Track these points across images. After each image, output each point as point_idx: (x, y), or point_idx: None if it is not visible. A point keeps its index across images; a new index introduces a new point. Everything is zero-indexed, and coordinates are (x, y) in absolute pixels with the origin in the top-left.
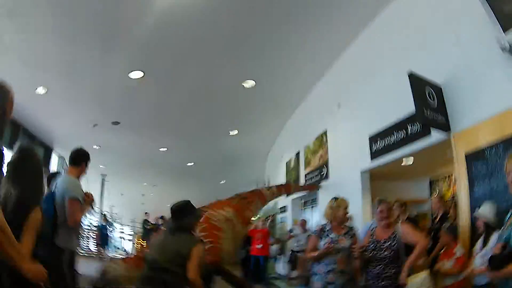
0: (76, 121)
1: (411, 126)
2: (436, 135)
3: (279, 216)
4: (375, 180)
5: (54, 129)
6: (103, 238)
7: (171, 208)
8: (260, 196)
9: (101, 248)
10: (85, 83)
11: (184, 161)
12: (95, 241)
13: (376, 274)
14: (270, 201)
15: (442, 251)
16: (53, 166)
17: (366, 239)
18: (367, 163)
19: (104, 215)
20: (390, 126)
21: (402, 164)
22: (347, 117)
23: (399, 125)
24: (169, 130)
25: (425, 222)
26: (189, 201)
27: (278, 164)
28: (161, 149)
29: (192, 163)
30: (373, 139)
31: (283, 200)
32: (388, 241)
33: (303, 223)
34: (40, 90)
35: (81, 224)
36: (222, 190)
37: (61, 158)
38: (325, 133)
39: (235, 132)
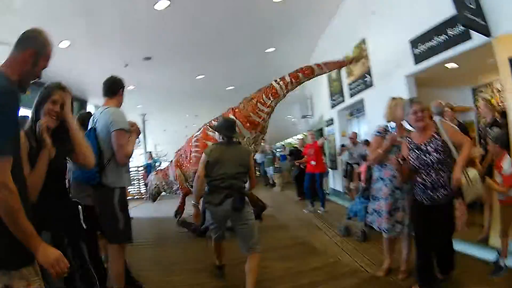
0: (106, 67)
1: (451, 30)
2: (477, 39)
3: (326, 129)
4: (419, 87)
5: (85, 81)
6: None
7: (225, 125)
8: (269, 92)
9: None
10: (109, 25)
11: (223, 86)
12: (143, 182)
13: (430, 183)
14: (286, 92)
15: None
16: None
17: (405, 149)
18: (411, 67)
19: (150, 153)
20: (430, 30)
21: (446, 67)
22: (384, 23)
23: (439, 29)
24: (204, 56)
25: (473, 131)
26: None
27: (319, 77)
28: (198, 77)
29: (232, 87)
30: (414, 43)
31: (328, 112)
32: (431, 143)
33: (354, 135)
34: (64, 44)
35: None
36: None
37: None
38: (363, 41)
39: (272, 49)
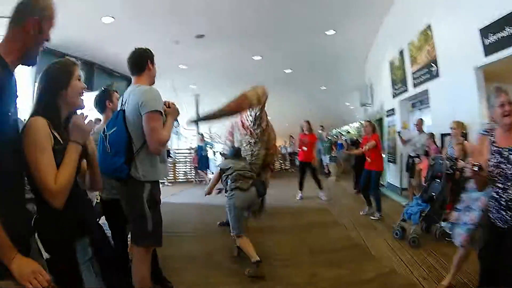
0: (154, 45)
1: None
2: None
3: (386, 120)
4: (487, 81)
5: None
6: (202, 160)
7: None
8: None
9: (200, 172)
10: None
11: (280, 68)
12: (193, 165)
13: (505, 201)
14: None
15: None
16: None
17: (484, 150)
18: (481, 59)
19: (201, 134)
20: (503, 18)
21: None
22: (450, 8)
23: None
24: (261, 36)
25: None
26: None
27: (380, 64)
28: (255, 58)
29: (290, 70)
30: (484, 33)
31: (390, 102)
32: None
33: (420, 122)
34: (107, 20)
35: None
36: (322, 97)
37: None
38: (429, 27)
39: (332, 32)
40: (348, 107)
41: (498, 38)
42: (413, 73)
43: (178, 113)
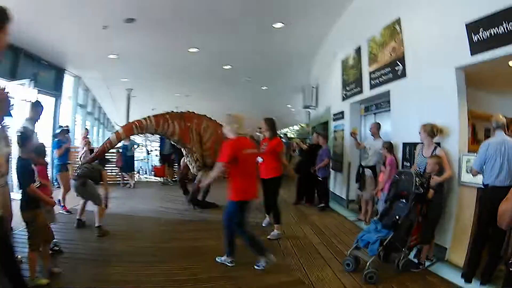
0: (83, 29)
1: None
2: None
3: (333, 124)
4: (469, 85)
5: (61, 46)
6: (126, 161)
7: None
8: None
9: (125, 174)
10: None
11: (219, 64)
12: (117, 166)
13: None
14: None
15: None
16: (68, 88)
17: None
18: (465, 58)
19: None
20: (498, 12)
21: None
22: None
23: (509, 12)
24: (198, 26)
25: None
26: None
27: (331, 63)
28: (191, 50)
29: (229, 66)
30: (473, 28)
31: (338, 105)
32: None
33: (375, 126)
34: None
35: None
36: (262, 97)
37: (76, 78)
38: (397, 21)
39: (280, 25)
40: (290, 109)
41: (490, 35)
42: (371, 73)
43: (6, 101)
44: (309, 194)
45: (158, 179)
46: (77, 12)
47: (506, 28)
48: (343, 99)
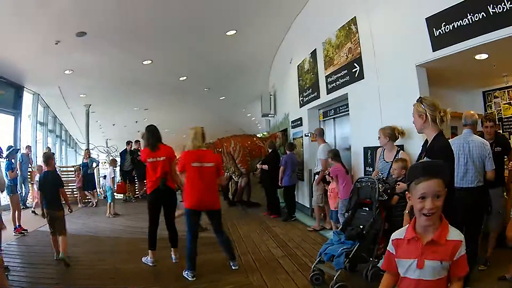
0: (37, 47)
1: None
2: None
3: (292, 131)
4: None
5: (18, 62)
6: (87, 179)
7: None
8: None
9: (86, 192)
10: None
11: (174, 75)
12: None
13: None
14: None
15: None
16: (27, 105)
17: None
18: (427, 54)
19: (87, 150)
20: (460, 4)
21: (475, 58)
22: None
23: (476, 4)
24: (150, 36)
25: None
26: None
27: (287, 70)
28: (145, 62)
29: (185, 77)
30: (434, 22)
31: (296, 111)
32: None
33: (318, 131)
34: None
35: None
36: (223, 107)
37: (35, 95)
38: (353, 20)
39: (233, 32)
40: (250, 118)
41: (453, 28)
42: (327, 76)
43: None
44: (272, 205)
45: (120, 196)
46: (30, 28)
47: (471, 19)
48: (301, 105)
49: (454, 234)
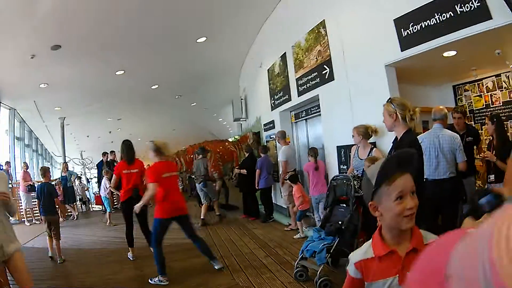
0: (10, 58)
1: (462, 5)
2: (499, 19)
3: (265, 134)
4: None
5: None
6: (67, 192)
7: None
8: None
9: (67, 206)
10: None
11: (146, 84)
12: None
13: None
14: None
15: None
16: (4, 121)
17: None
18: (395, 54)
19: (65, 163)
20: (428, 5)
21: (443, 55)
22: None
23: (444, 4)
24: (122, 47)
25: None
26: None
27: (257, 74)
28: (118, 73)
29: (157, 86)
30: (401, 23)
31: (268, 114)
32: None
33: (281, 134)
34: None
35: None
36: (194, 114)
37: (12, 110)
38: (321, 23)
39: (203, 39)
40: (221, 122)
41: (420, 28)
42: (298, 79)
43: None
44: (250, 208)
45: (99, 207)
46: (6, 44)
47: (439, 19)
48: (272, 108)
49: (427, 235)
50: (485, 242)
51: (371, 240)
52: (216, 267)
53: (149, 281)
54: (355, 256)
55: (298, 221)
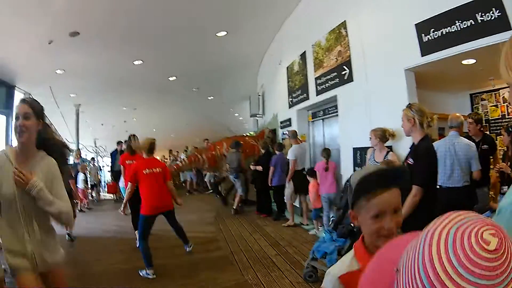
0: (29, 42)
1: (481, 14)
2: None
3: (280, 132)
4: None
5: (9, 61)
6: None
7: None
8: None
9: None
10: None
11: (164, 75)
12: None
13: None
14: None
15: None
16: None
17: None
18: (415, 59)
19: (78, 150)
20: (450, 11)
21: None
22: (376, 1)
23: (464, 12)
24: (141, 37)
25: None
26: None
27: (276, 71)
28: (136, 63)
29: (174, 77)
30: (423, 28)
31: (285, 112)
32: None
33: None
34: None
35: None
36: (211, 108)
37: (26, 95)
38: (343, 24)
39: (223, 33)
40: (237, 118)
41: (441, 34)
42: (317, 78)
43: None
44: (263, 205)
45: (111, 196)
46: (23, 27)
47: (459, 26)
48: (290, 106)
49: None
50: (423, 240)
51: (352, 251)
52: (187, 250)
53: (139, 272)
54: (339, 269)
55: (314, 219)
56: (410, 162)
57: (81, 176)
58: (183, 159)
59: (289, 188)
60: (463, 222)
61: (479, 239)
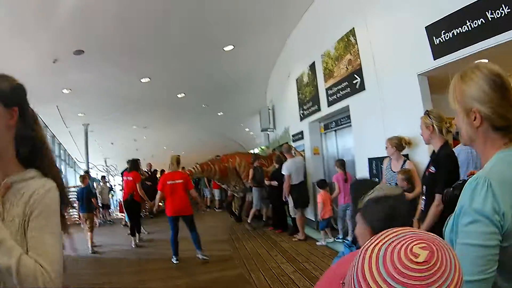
0: (35, 66)
1: (491, 11)
2: None
3: (293, 145)
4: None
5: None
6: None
7: None
8: None
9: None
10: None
11: (172, 92)
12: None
13: None
14: None
15: None
16: None
17: None
18: (428, 63)
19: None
20: (460, 11)
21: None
22: (386, 5)
23: (474, 11)
24: (148, 54)
25: None
26: None
27: (286, 83)
28: (143, 80)
29: (183, 94)
30: (433, 30)
31: (297, 125)
32: None
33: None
34: None
35: None
36: (221, 123)
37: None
38: (351, 31)
39: (230, 47)
40: (248, 133)
41: (453, 35)
42: (328, 89)
43: None
44: (278, 220)
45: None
46: (28, 46)
47: (470, 26)
48: (301, 118)
49: None
50: (359, 255)
51: None
52: (200, 258)
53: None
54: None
55: (322, 230)
56: (432, 171)
57: None
58: (196, 165)
59: (291, 203)
60: (396, 237)
61: (408, 253)
